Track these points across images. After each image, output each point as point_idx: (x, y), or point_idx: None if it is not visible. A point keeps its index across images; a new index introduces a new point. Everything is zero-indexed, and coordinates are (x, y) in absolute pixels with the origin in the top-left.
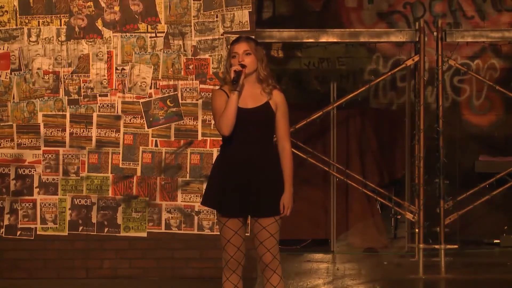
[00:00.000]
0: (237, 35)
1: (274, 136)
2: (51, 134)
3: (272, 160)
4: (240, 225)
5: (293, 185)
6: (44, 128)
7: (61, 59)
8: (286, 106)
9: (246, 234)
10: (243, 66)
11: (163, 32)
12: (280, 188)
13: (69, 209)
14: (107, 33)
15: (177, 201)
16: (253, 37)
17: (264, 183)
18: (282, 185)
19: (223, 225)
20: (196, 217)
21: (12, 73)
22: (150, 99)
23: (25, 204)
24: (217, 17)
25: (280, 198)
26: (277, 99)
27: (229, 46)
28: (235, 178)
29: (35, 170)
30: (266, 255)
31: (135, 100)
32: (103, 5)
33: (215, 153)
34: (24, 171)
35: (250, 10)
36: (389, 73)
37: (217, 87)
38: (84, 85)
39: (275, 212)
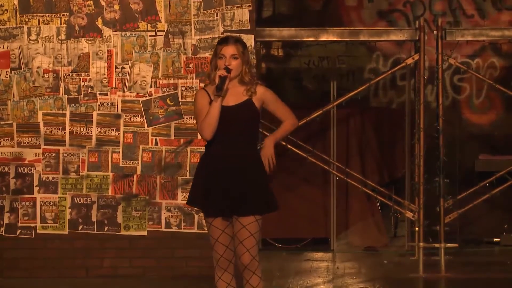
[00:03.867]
0: (235, 35)
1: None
2: (51, 132)
3: (254, 159)
4: (227, 223)
5: (275, 142)
6: (44, 126)
7: (61, 58)
8: (273, 93)
9: (234, 233)
10: (228, 70)
11: (163, 30)
12: (262, 188)
13: (69, 208)
14: (107, 31)
15: (177, 199)
16: (241, 37)
17: (246, 182)
18: (264, 185)
19: (210, 225)
20: (196, 216)
21: (12, 71)
22: (150, 97)
23: (25, 203)
24: (217, 15)
25: (262, 198)
26: (260, 93)
27: (215, 44)
28: (218, 178)
29: (35, 169)
30: (245, 255)
31: (135, 98)
32: (103, 3)
33: None
34: (24, 169)
35: (250, 8)
36: (389, 72)
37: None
38: (84, 83)
39: (256, 211)
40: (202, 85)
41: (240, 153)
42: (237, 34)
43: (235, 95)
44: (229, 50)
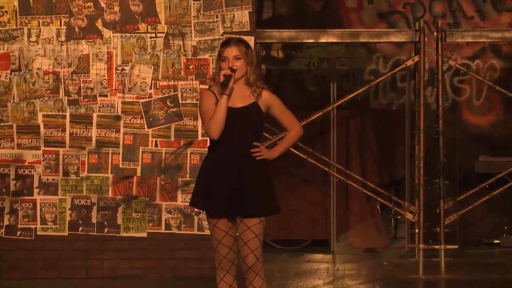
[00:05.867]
0: (237, 36)
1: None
2: (51, 134)
3: (259, 160)
4: (230, 225)
5: (280, 153)
6: (44, 128)
7: (61, 60)
8: (279, 99)
9: (237, 234)
10: (233, 70)
11: (163, 32)
12: (267, 189)
13: (69, 209)
14: (107, 33)
15: (177, 201)
16: (244, 38)
17: (250, 184)
18: (269, 186)
19: (213, 226)
20: (196, 218)
21: (12, 73)
22: (150, 99)
23: (25, 205)
24: (217, 17)
25: (267, 200)
26: (266, 97)
27: (217, 48)
28: (222, 179)
29: (35, 170)
30: (249, 256)
31: (135, 100)
32: (103, 5)
33: None
34: (24, 171)
35: (250, 10)
36: (389, 73)
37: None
38: (84, 85)
39: (261, 213)
40: (202, 86)
41: (245, 155)
42: (238, 36)
43: (242, 97)
44: (232, 51)
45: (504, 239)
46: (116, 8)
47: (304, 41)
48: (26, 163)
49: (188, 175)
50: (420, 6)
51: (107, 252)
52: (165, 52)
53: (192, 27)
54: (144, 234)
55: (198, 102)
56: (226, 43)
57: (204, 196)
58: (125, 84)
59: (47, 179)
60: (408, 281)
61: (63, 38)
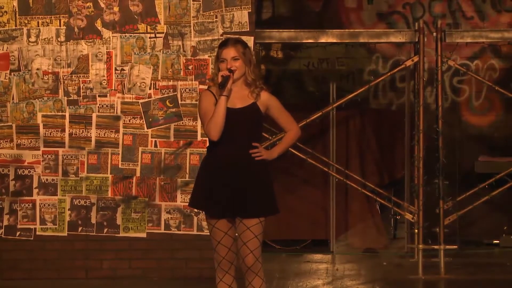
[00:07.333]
0: (237, 36)
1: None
2: (50, 134)
3: (258, 161)
4: (230, 225)
5: (279, 154)
6: (43, 128)
7: (61, 60)
8: (277, 100)
9: (236, 234)
10: (231, 71)
11: (163, 32)
12: (266, 189)
13: (69, 209)
14: (106, 33)
15: (176, 201)
16: (241, 38)
17: (250, 184)
18: (268, 186)
19: (212, 227)
20: (195, 218)
21: (12, 73)
22: (150, 99)
23: (25, 205)
24: (216, 17)
25: (266, 200)
26: (265, 99)
27: (216, 48)
28: (222, 179)
29: (35, 171)
30: (248, 257)
31: (134, 100)
32: (102, 5)
33: None
34: (23, 171)
35: (250, 10)
36: (389, 74)
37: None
38: (84, 85)
39: (260, 213)
40: (201, 87)
41: (245, 155)
42: (237, 36)
43: (242, 98)
44: (230, 52)
45: (504, 239)
46: (116, 8)
47: (304, 41)
48: (25, 163)
49: (187, 175)
50: (420, 6)
51: (107, 252)
52: (165, 52)
53: (192, 27)
54: (144, 235)
55: (197, 102)
56: (223, 44)
57: (204, 196)
58: (124, 84)
59: (47, 179)
60: (408, 281)
61: (62, 38)
